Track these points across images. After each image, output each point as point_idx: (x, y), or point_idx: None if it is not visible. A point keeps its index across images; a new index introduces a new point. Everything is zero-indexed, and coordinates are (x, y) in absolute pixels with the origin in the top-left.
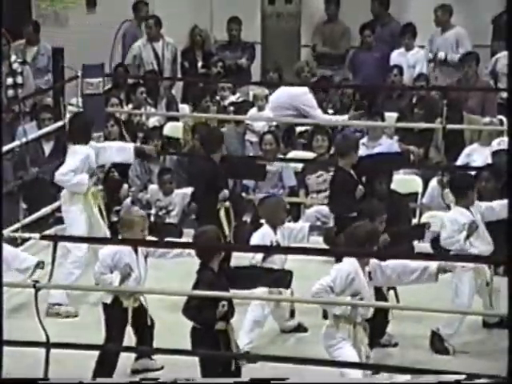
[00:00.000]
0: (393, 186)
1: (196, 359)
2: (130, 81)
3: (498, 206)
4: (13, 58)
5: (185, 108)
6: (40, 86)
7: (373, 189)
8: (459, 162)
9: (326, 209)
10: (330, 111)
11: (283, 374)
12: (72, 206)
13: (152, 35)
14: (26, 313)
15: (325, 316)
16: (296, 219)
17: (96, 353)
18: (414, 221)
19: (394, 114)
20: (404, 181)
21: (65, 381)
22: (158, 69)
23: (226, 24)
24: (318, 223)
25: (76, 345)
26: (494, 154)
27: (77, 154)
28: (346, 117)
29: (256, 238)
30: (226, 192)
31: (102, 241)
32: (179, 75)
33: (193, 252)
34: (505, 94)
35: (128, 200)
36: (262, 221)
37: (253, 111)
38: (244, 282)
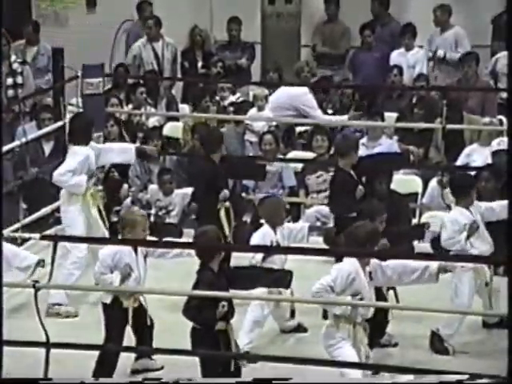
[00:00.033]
0: (393, 186)
1: (196, 359)
2: (130, 81)
3: (498, 207)
4: (13, 57)
5: (185, 108)
6: (40, 86)
7: (373, 189)
8: (459, 162)
9: (325, 209)
10: (330, 111)
11: (283, 374)
12: (70, 206)
13: (152, 35)
14: (26, 313)
15: (325, 316)
16: (296, 219)
17: (96, 353)
18: (414, 221)
19: (394, 114)
20: (404, 181)
21: (65, 381)
22: (158, 69)
23: (226, 24)
24: (318, 223)
25: (76, 345)
26: (494, 154)
27: (77, 155)
28: (345, 117)
29: (256, 238)
30: (226, 192)
31: (102, 241)
32: (179, 75)
33: (193, 252)
34: (505, 94)
35: (128, 200)
36: (262, 221)
37: (253, 111)
38: (244, 282)
